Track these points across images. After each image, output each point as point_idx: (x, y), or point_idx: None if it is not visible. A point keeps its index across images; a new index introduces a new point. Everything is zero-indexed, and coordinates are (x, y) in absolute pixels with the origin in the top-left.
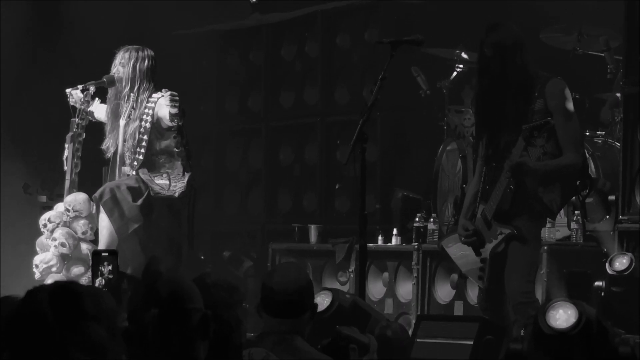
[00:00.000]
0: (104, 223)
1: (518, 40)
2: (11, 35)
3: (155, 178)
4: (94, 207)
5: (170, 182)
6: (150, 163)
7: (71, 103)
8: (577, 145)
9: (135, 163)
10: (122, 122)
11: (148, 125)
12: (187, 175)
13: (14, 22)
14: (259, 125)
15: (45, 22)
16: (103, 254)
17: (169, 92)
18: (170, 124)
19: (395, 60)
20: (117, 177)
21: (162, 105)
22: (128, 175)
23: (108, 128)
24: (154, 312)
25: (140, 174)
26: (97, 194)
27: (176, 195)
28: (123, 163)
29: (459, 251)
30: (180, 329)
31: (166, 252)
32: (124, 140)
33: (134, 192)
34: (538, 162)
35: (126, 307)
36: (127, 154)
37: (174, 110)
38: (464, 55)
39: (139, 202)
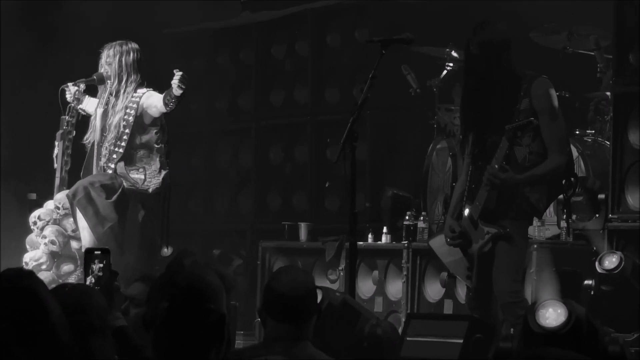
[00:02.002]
0: (83, 223)
1: (505, 39)
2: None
3: (131, 172)
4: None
5: (145, 178)
6: (129, 156)
7: (68, 99)
8: (561, 146)
9: (115, 156)
10: (99, 110)
11: (131, 119)
12: (163, 173)
13: (5, 20)
14: (249, 125)
15: (36, 22)
16: (95, 252)
17: (180, 72)
18: (163, 108)
19: (386, 59)
20: (94, 170)
21: (149, 96)
22: (104, 168)
23: (93, 122)
24: (164, 303)
25: (117, 167)
26: (70, 193)
27: (149, 191)
28: (100, 155)
29: (445, 248)
30: (192, 326)
31: (139, 249)
32: (104, 131)
33: (108, 189)
34: (521, 176)
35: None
36: (106, 145)
37: (179, 92)
38: (454, 54)
39: (113, 198)
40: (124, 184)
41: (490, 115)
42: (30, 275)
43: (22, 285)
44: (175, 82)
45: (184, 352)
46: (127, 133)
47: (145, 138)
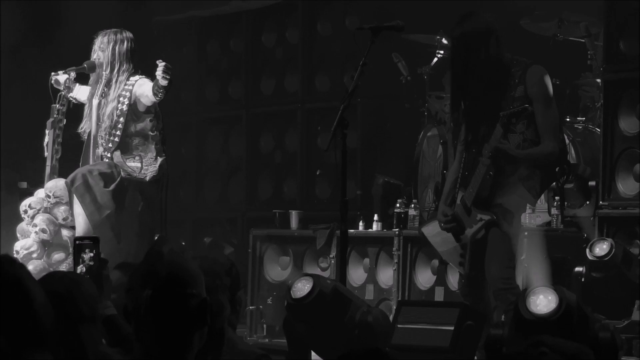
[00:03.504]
0: (79, 210)
1: (486, 30)
2: None
3: (127, 160)
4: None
5: (142, 166)
6: (124, 145)
7: (58, 87)
8: (555, 133)
9: (110, 145)
10: (94, 101)
11: (125, 107)
12: (159, 160)
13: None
14: (239, 113)
15: (27, 11)
16: (85, 241)
17: (163, 63)
18: (153, 98)
19: (376, 46)
20: (91, 160)
21: (141, 84)
22: (102, 157)
23: (87, 111)
24: (147, 292)
25: (114, 156)
26: (68, 180)
27: (147, 179)
28: (97, 145)
29: (439, 237)
30: (175, 313)
31: (138, 238)
32: (99, 121)
33: (106, 177)
34: (519, 150)
35: (126, 285)
36: (102, 134)
37: (165, 82)
38: (445, 42)
39: (111, 187)
40: (122, 172)
41: (480, 103)
42: (13, 261)
43: (4, 272)
44: (159, 73)
45: (168, 338)
46: (121, 122)
47: (140, 126)
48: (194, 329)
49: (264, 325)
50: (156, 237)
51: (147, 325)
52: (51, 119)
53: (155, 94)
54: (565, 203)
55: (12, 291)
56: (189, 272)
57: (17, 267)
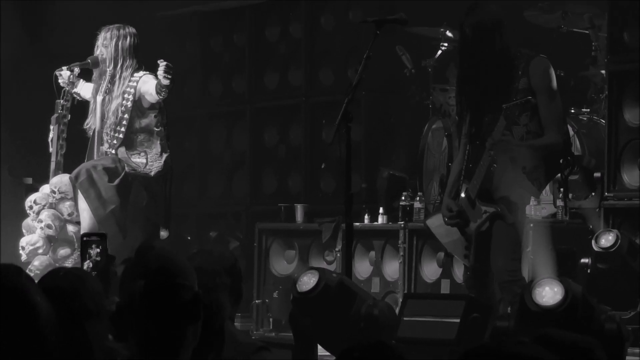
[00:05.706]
0: (83, 205)
1: (497, 19)
2: None
3: (133, 156)
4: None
5: (147, 161)
6: (129, 141)
7: (62, 83)
8: (559, 125)
9: (115, 142)
10: (99, 98)
11: (129, 104)
12: (164, 156)
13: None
14: (243, 107)
15: (30, 4)
16: (92, 237)
17: (164, 63)
18: (156, 97)
19: (380, 39)
20: (95, 156)
21: (146, 81)
22: (107, 153)
23: (92, 107)
24: (140, 283)
25: (118, 152)
26: (73, 175)
27: (152, 174)
28: (101, 141)
29: (443, 229)
30: (167, 305)
31: (143, 233)
32: (103, 117)
33: (110, 172)
34: (521, 142)
35: (119, 280)
36: (106, 131)
37: (167, 82)
38: (449, 34)
39: (115, 182)
40: (126, 167)
41: (486, 95)
42: (20, 273)
43: (9, 285)
44: (160, 73)
45: (160, 331)
46: (126, 118)
47: (144, 122)
48: (187, 322)
49: (270, 319)
50: (160, 232)
51: (140, 318)
52: (55, 115)
53: (158, 93)
54: (570, 195)
55: (17, 304)
56: (178, 264)
57: (23, 279)
